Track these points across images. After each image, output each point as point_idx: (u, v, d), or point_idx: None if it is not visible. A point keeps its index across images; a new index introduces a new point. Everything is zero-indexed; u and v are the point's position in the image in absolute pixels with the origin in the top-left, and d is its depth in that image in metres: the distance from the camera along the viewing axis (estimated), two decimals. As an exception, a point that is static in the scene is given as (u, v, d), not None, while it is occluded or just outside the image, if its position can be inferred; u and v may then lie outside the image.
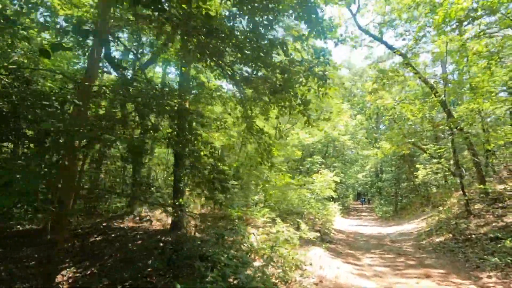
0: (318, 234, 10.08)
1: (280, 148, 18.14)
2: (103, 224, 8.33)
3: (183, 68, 8.68)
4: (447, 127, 12.05)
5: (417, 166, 16.32)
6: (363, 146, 28.17)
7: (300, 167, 25.88)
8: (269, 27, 5.02)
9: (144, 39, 10.36)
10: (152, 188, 10.32)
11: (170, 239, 6.88)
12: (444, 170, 14.80)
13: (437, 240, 9.30)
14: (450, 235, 9.11)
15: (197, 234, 7.63)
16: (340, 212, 23.84)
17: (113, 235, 7.46)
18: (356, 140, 27.62)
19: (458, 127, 11.04)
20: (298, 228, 9.64)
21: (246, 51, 4.81)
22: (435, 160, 15.21)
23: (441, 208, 13.42)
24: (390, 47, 14.12)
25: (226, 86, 21.16)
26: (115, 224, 8.40)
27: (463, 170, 13.44)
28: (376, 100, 19.65)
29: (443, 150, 15.67)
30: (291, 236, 7.46)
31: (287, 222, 9.66)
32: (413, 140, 16.09)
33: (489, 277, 5.51)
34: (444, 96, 11.56)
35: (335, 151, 30.93)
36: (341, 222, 18.45)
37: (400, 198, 25.57)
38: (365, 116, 25.94)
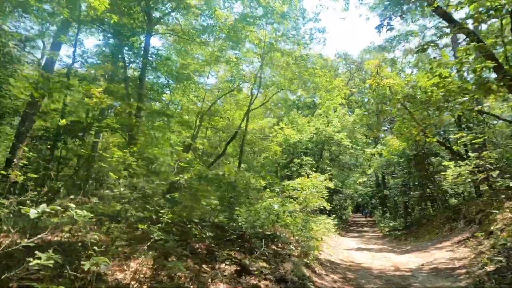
0: None
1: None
2: None
3: None
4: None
5: (446, 163, 11.42)
6: (363, 146, 23.33)
7: (285, 171, 20.92)
8: None
9: None
10: None
11: None
12: (487, 169, 9.91)
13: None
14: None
15: None
16: (336, 228, 18.77)
17: None
18: (354, 139, 22.79)
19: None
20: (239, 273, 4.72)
21: None
22: (473, 155, 10.37)
23: (491, 226, 8.51)
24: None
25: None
26: None
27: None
28: (379, 81, 15.00)
29: (481, 140, 10.87)
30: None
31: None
32: (431, 122, 11.24)
33: None
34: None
35: (330, 153, 26.04)
36: (336, 244, 13.38)
37: (409, 210, 20.56)
38: (369, 98, 21.09)
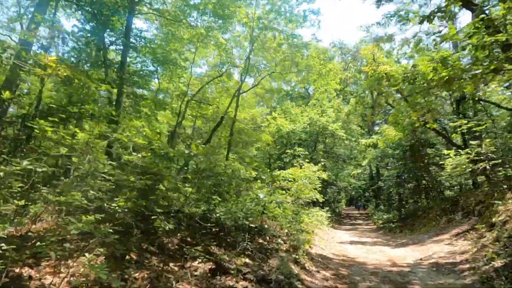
0: None
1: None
2: None
3: None
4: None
5: (446, 152, 10.81)
6: (357, 138, 22.73)
7: (278, 163, 20.25)
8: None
9: None
10: None
11: None
12: (488, 158, 9.34)
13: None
14: None
15: None
16: (329, 221, 18.26)
17: None
18: (349, 130, 22.15)
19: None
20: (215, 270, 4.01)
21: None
22: (474, 143, 9.78)
23: (492, 218, 7.96)
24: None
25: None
26: None
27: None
28: (376, 68, 14.31)
29: (482, 127, 10.29)
30: None
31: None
32: (432, 107, 10.59)
33: None
34: None
35: (325, 145, 25.42)
36: (329, 237, 12.81)
37: (403, 202, 20.13)
38: (363, 88, 20.50)
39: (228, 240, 5.82)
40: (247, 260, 5.20)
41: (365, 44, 27.07)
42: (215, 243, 5.37)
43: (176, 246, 4.56)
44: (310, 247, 7.75)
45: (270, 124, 19.52)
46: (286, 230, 7.58)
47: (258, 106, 24.82)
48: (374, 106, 29.08)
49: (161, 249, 4.33)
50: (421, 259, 7.43)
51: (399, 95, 16.01)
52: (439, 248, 8.43)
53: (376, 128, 27.38)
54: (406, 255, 8.25)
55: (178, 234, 4.68)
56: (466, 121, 10.72)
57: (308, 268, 5.88)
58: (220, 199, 5.97)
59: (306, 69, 15.05)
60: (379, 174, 31.15)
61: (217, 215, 5.63)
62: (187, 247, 4.37)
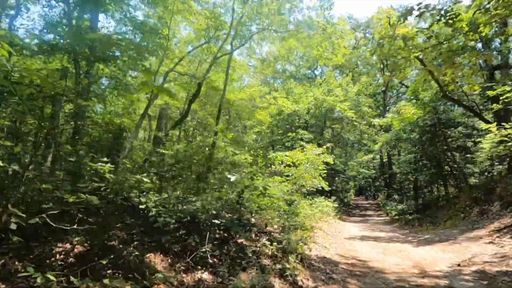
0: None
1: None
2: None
3: None
4: None
5: (484, 126, 8.67)
6: (368, 120, 20.50)
7: (279, 147, 18.30)
8: None
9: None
10: None
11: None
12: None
13: None
14: None
15: None
16: (337, 212, 16.39)
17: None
18: (360, 112, 19.92)
19: None
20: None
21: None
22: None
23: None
24: None
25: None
26: None
27: None
28: (393, 31, 12.08)
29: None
30: None
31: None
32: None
33: None
34: None
35: (332, 130, 23.29)
36: (336, 231, 10.97)
37: (420, 191, 18.04)
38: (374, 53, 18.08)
39: (189, 240, 4.03)
40: (205, 275, 3.39)
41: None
42: (166, 246, 3.57)
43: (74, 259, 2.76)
44: (308, 248, 5.90)
45: (270, 106, 17.51)
46: (276, 226, 5.75)
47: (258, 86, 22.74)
48: (387, 86, 26.61)
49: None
50: (459, 265, 5.50)
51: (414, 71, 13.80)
52: (480, 248, 6.47)
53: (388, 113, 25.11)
54: (436, 257, 6.33)
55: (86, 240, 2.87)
56: (509, 88, 8.52)
57: (301, 284, 4.03)
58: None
59: (308, 41, 12.93)
60: (390, 162, 28.94)
61: (180, 208, 3.83)
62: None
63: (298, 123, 19.84)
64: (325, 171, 12.19)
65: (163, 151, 6.27)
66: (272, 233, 5.76)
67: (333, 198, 15.74)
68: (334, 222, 13.55)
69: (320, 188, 13.74)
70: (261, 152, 10.33)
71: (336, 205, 15.36)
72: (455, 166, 13.65)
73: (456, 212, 10.75)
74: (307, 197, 13.03)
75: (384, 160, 32.02)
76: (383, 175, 30.94)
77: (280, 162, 9.94)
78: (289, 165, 10.09)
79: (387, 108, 27.61)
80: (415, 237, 9.51)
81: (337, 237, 9.55)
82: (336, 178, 26.69)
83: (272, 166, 10.13)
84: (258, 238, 5.50)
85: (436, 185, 16.64)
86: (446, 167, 14.09)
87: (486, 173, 13.36)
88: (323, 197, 14.20)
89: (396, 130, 16.37)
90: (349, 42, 27.98)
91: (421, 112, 13.44)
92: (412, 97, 13.21)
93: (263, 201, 5.50)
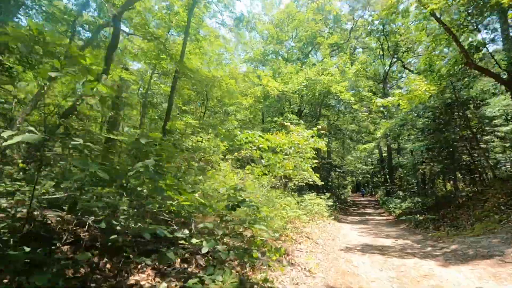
0: None
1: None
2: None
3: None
4: None
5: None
6: (369, 106, 17.88)
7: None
8: None
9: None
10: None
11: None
12: None
13: None
14: None
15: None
16: (332, 210, 13.85)
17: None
18: (358, 95, 17.28)
19: None
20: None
21: None
22: None
23: None
24: None
25: None
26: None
27: None
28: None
29: None
30: None
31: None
32: None
33: None
34: None
35: (328, 119, 20.67)
36: (329, 237, 8.36)
37: (429, 186, 15.52)
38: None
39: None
40: None
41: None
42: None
43: None
44: (282, 270, 3.27)
45: (254, 87, 14.81)
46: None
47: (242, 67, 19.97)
48: (387, 74, 23.97)
49: None
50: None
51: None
52: None
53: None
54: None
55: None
56: None
57: None
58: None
59: None
60: (391, 156, 26.48)
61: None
62: None
63: (288, 108, 17.20)
64: (316, 161, 9.59)
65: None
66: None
67: (328, 194, 13.16)
68: (328, 224, 10.98)
69: (312, 183, 11.21)
70: (223, 131, 7.63)
71: (331, 203, 12.79)
72: (476, 155, 11.09)
73: (487, 213, 8.18)
74: (289, 192, 10.45)
75: (383, 155, 29.59)
76: (382, 170, 28.50)
77: (254, 147, 7.28)
78: (265, 150, 7.43)
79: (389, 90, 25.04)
80: (437, 247, 6.92)
81: (330, 248, 6.94)
82: (332, 173, 24.18)
83: (242, 151, 7.47)
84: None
85: (449, 178, 14.12)
86: (464, 156, 11.52)
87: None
88: (314, 193, 11.59)
89: (403, 114, 13.80)
90: (346, 24, 25.34)
91: (436, 88, 10.83)
92: (425, 69, 10.58)
93: (197, 199, 2.86)
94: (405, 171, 23.68)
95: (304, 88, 15.68)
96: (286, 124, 8.38)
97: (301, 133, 8.15)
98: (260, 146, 6.86)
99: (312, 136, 8.70)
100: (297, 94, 15.35)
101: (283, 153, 7.90)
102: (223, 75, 13.71)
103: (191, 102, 15.25)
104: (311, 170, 9.25)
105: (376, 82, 23.64)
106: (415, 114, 13.66)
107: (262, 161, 7.32)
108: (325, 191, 19.90)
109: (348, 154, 35.38)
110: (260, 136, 6.84)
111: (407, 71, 23.07)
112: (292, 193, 10.47)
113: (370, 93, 17.70)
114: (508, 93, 9.84)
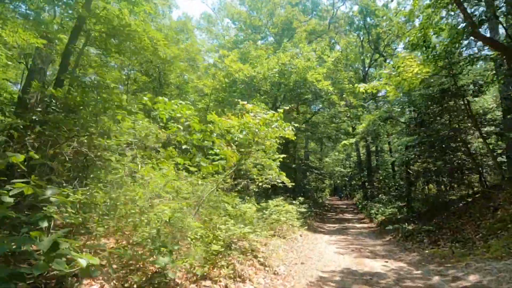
0: None
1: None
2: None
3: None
4: None
5: None
6: (349, 99, 15.97)
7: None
8: None
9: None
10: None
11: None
12: None
13: None
14: None
15: None
16: (307, 218, 11.69)
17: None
18: (338, 84, 15.30)
19: None
20: None
21: None
22: None
23: None
24: None
25: None
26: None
27: None
28: None
29: None
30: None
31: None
32: None
33: None
34: None
35: (303, 114, 18.61)
36: (298, 257, 6.02)
37: (413, 188, 13.74)
38: None
39: None
40: None
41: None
42: None
43: None
44: None
45: (217, 70, 12.35)
46: None
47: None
48: (369, 65, 22.39)
49: None
50: None
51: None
52: None
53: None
54: None
55: None
56: None
57: None
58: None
59: None
60: (370, 157, 25.01)
61: None
62: None
63: (259, 99, 14.85)
64: (282, 157, 7.27)
65: None
66: None
67: (301, 199, 10.90)
68: (299, 237, 8.69)
69: (280, 185, 8.87)
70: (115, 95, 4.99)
71: (304, 209, 10.53)
72: (474, 152, 9.29)
73: (502, 224, 6.21)
74: (252, 198, 8.10)
75: (362, 158, 28.07)
76: (361, 172, 26.92)
77: (182, 129, 4.77)
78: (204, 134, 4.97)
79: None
80: (447, 277, 4.78)
81: (296, 281, 4.60)
82: (309, 175, 22.13)
83: (161, 131, 4.96)
84: None
85: (435, 180, 12.37)
86: (459, 153, 9.67)
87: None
88: (282, 198, 9.25)
89: (386, 107, 11.90)
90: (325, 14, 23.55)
91: (430, 70, 8.93)
92: (418, 44, 8.64)
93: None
94: (385, 173, 22.17)
95: (277, 75, 13.43)
96: (241, 102, 6.00)
97: (260, 114, 5.79)
98: (186, 123, 4.40)
99: (276, 121, 6.36)
100: (268, 82, 13.04)
101: (233, 141, 5.52)
102: (177, 52, 11.14)
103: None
104: (275, 167, 6.93)
105: (359, 71, 21.85)
106: (401, 106, 11.80)
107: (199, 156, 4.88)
108: (302, 194, 17.80)
109: (327, 156, 33.85)
110: (187, 107, 4.38)
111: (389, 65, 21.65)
112: (248, 197, 8.10)
113: (350, 85, 15.79)
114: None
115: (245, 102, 5.97)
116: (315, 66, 13.63)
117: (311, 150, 31.52)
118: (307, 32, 18.09)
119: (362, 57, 20.39)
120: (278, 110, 6.22)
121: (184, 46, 11.51)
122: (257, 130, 5.64)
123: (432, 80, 9.79)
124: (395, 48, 23.34)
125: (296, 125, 6.81)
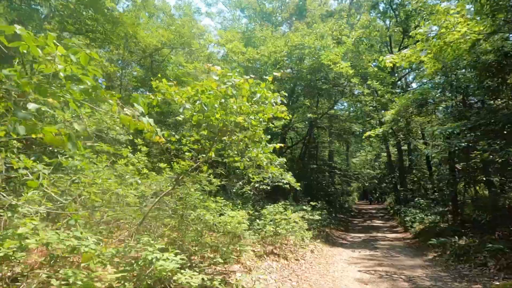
0: None
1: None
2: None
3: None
4: None
5: None
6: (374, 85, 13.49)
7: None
8: None
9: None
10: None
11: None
12: None
13: None
14: None
15: None
16: (324, 226, 9.58)
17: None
18: (359, 69, 12.91)
19: None
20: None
21: None
22: None
23: None
24: None
25: None
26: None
27: None
28: None
29: None
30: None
31: None
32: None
33: None
34: None
35: (319, 107, 16.38)
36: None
37: (458, 191, 10.93)
38: None
39: None
40: None
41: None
42: None
43: None
44: None
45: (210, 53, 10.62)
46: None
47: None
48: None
49: None
50: None
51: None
52: None
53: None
54: None
55: None
56: None
57: None
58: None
59: None
60: (402, 156, 21.61)
61: None
62: None
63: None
64: (278, 146, 5.25)
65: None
66: None
67: (313, 203, 8.74)
68: (306, 254, 6.60)
69: (286, 186, 6.95)
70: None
71: (318, 217, 8.33)
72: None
73: None
74: (240, 202, 6.19)
75: (392, 158, 24.84)
76: (392, 173, 23.75)
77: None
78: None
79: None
80: None
81: None
82: (327, 174, 19.63)
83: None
84: None
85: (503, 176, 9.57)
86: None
87: None
88: (282, 203, 7.15)
89: (421, 87, 9.43)
90: None
91: (484, 28, 6.52)
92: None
93: None
94: (419, 174, 19.13)
95: (285, 59, 11.44)
96: (208, 65, 4.18)
97: (232, 79, 3.90)
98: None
99: (274, 100, 4.38)
100: (273, 66, 11.03)
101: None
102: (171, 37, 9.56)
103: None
104: (267, 159, 4.96)
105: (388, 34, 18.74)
106: (441, 87, 9.28)
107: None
108: (321, 198, 15.48)
109: (353, 156, 31.31)
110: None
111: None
112: (237, 201, 6.20)
113: (376, 69, 13.31)
114: None
115: (211, 65, 4.11)
116: (331, 45, 11.48)
117: (335, 150, 28.93)
118: (323, 15, 15.93)
119: (387, 35, 17.57)
120: (265, 77, 4.32)
121: (174, 28, 9.96)
122: (223, 101, 3.75)
123: (487, 46, 7.30)
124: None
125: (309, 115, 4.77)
